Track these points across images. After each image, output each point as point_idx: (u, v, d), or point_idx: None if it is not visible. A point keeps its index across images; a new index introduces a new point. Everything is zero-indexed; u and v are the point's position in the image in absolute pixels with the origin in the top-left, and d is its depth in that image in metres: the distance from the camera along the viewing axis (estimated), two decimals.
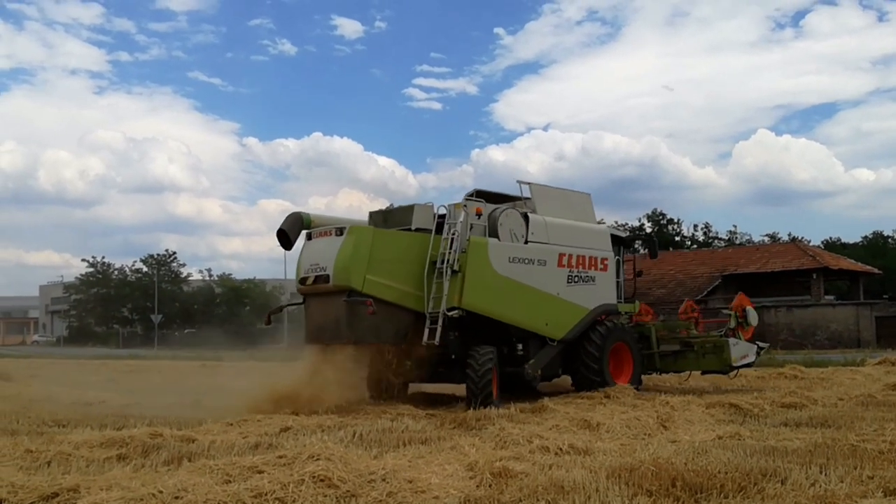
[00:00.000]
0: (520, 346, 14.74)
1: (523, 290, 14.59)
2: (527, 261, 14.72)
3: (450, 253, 13.59)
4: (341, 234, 13.38)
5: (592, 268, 16.00)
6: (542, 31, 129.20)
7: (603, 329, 15.78)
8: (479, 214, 14.24)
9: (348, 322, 13.18)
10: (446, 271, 13.48)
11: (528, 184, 15.57)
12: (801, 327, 38.35)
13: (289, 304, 15.37)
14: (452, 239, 13.69)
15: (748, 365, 17.45)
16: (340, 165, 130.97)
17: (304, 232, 14.43)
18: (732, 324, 17.52)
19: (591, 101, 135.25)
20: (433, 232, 14.02)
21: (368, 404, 14.17)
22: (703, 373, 17.80)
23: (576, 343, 15.53)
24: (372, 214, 15.25)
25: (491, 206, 14.68)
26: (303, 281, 13.69)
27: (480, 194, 15.11)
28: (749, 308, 17.91)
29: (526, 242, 14.76)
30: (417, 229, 14.20)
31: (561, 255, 15.35)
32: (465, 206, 14.17)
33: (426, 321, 13.44)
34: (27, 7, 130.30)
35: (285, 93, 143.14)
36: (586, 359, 15.45)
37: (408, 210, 14.63)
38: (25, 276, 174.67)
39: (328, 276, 13.21)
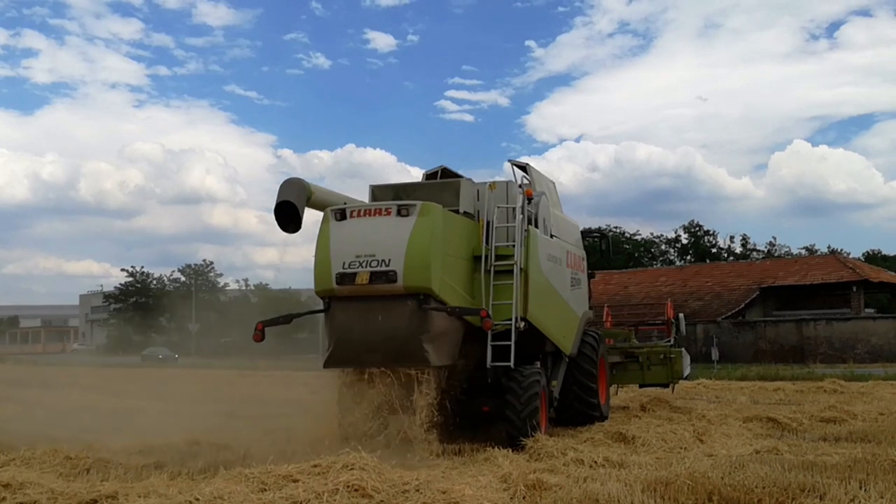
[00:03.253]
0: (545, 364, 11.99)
1: (554, 295, 12.15)
2: (555, 259, 12.25)
3: (508, 247, 10.94)
4: (408, 213, 9.89)
5: (578, 268, 13.69)
6: (574, 43, 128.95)
7: (591, 341, 13.30)
8: (530, 198, 11.39)
9: (424, 339, 9.82)
10: (517, 272, 10.75)
11: (525, 165, 12.43)
12: (841, 341, 37.72)
13: (308, 312, 11.40)
14: (496, 228, 11.05)
15: (687, 377, 16.51)
16: (374, 176, 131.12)
17: (330, 210, 10.46)
18: (675, 332, 16.55)
19: (624, 113, 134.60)
20: (477, 217, 11.26)
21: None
22: (642, 386, 16.18)
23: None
24: (376, 189, 11.68)
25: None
26: (342, 278, 9.89)
27: (447, 173, 12.22)
28: (681, 315, 17.36)
29: (551, 236, 12.24)
30: (465, 213, 11.22)
31: (567, 253, 12.96)
32: (520, 186, 11.56)
33: (488, 337, 10.51)
34: (69, 23, 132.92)
35: (319, 105, 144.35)
36: (583, 378, 12.86)
37: (446, 187, 11.41)
38: (66, 286, 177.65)
39: (394, 272, 9.69)
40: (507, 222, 11.12)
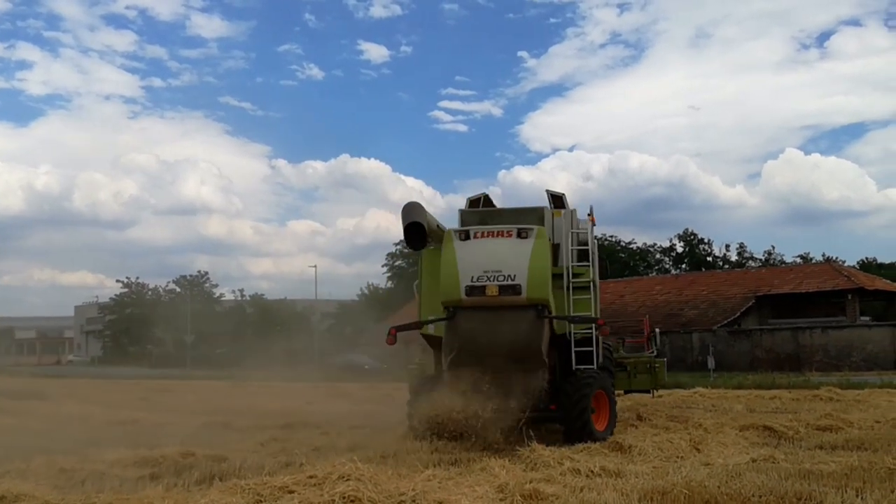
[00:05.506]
0: None
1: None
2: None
3: (582, 266, 12.48)
4: (527, 236, 11.34)
5: None
6: (566, 53, 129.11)
7: (607, 351, 14.21)
8: (594, 224, 13.05)
9: (537, 343, 11.30)
10: (593, 288, 12.40)
11: (562, 194, 13.61)
12: (837, 349, 37.74)
13: (435, 320, 11.93)
14: (571, 250, 12.59)
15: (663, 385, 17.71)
16: (368, 186, 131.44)
17: (454, 230, 11.87)
18: (654, 344, 17.64)
19: (617, 123, 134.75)
20: (552, 240, 12.43)
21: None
22: (627, 392, 16.83)
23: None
24: (464, 214, 13.08)
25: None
26: (471, 290, 11.26)
27: (488, 201, 13.82)
28: (657, 330, 18.30)
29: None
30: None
31: None
32: (589, 215, 13.10)
33: (571, 343, 12.13)
34: (63, 35, 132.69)
35: (313, 116, 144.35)
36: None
37: (530, 213, 12.71)
38: (61, 297, 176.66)
39: (519, 286, 11.10)
40: (575, 245, 12.66)
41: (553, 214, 12.79)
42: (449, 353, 11.44)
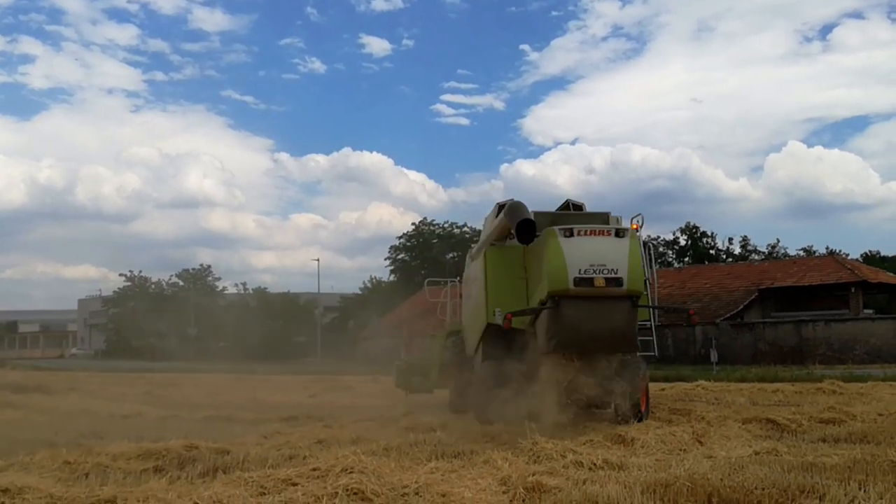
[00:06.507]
0: None
1: None
2: None
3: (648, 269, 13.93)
4: (622, 235, 12.63)
5: None
6: (568, 47, 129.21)
7: None
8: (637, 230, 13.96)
9: (633, 331, 12.72)
10: (650, 285, 13.89)
11: (581, 204, 15.31)
12: (840, 342, 37.70)
13: (543, 308, 12.70)
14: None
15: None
16: (370, 180, 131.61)
17: (557, 228, 12.74)
18: None
19: (619, 116, 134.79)
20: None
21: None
22: None
23: None
24: (538, 216, 13.90)
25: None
26: (579, 282, 12.29)
27: (577, 206, 15.25)
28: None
29: None
30: None
31: None
32: (634, 218, 14.10)
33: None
34: (65, 29, 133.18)
35: (316, 110, 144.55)
36: None
37: (596, 217, 14.33)
38: (64, 290, 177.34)
39: (621, 279, 12.26)
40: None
41: (617, 220, 14.37)
42: (550, 338, 12.41)
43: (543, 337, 12.54)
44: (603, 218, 14.21)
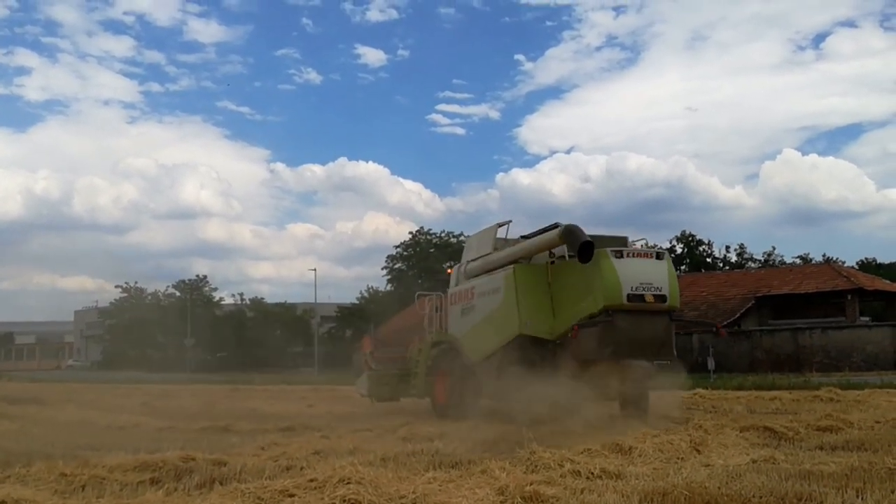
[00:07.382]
0: None
1: None
2: None
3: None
4: (661, 258, 14.55)
5: None
6: (563, 56, 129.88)
7: None
8: None
9: (672, 340, 14.59)
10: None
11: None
12: (837, 349, 37.75)
13: (601, 320, 14.04)
14: None
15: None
16: (366, 190, 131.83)
17: (609, 250, 14.19)
18: None
19: (614, 125, 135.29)
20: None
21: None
22: None
23: None
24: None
25: None
26: (632, 297, 13.88)
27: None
28: None
29: None
30: None
31: None
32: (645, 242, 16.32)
33: None
34: (61, 41, 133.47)
35: (312, 120, 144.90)
36: None
37: (616, 240, 15.50)
38: (61, 302, 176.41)
39: (665, 296, 14.05)
40: None
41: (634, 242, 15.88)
42: (605, 346, 13.95)
43: (595, 345, 14.02)
44: (621, 241, 15.50)
